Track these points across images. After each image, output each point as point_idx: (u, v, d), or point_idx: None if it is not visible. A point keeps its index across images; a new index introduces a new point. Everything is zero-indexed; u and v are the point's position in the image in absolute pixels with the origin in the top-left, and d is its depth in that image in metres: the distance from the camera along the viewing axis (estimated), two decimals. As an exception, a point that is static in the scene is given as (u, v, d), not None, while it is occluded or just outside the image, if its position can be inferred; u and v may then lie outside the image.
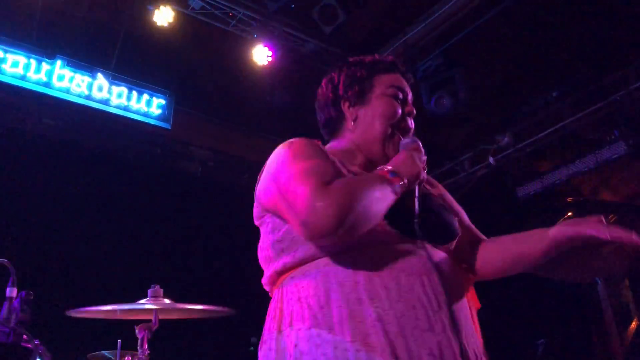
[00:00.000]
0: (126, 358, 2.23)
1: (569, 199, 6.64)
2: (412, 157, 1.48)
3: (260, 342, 1.47)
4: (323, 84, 1.75)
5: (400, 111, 1.62)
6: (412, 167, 1.45)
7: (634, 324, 5.72)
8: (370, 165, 1.59)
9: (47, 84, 5.41)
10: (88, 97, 5.60)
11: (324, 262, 1.38)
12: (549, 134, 6.06)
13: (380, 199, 1.34)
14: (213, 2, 5.30)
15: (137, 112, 5.85)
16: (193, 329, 4.63)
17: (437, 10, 5.54)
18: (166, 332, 2.35)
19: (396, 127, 1.60)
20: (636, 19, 5.21)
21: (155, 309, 2.10)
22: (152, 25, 5.24)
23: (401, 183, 1.40)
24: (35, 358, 1.88)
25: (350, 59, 1.73)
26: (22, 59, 5.34)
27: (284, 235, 1.45)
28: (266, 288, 1.56)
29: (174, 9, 5.23)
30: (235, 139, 6.78)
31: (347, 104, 1.66)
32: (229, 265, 6.02)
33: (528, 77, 6.16)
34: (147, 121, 5.90)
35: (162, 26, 5.25)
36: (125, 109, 5.79)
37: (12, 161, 5.28)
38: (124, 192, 5.83)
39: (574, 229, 1.45)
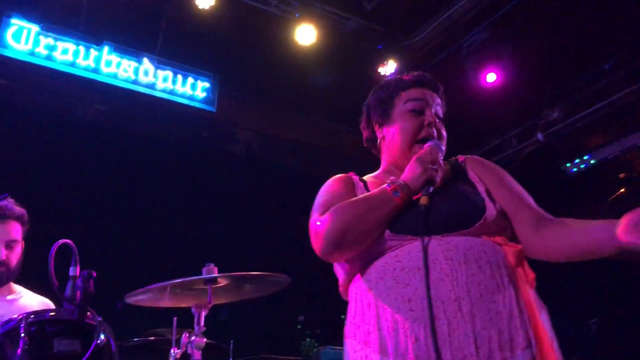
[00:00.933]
0: (183, 335, 2.28)
1: (621, 175, 6.43)
2: (420, 164, 1.59)
3: None
4: (364, 108, 1.94)
5: (419, 123, 1.74)
6: (418, 175, 1.58)
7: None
8: None
9: (95, 70, 5.54)
10: (135, 82, 5.71)
11: (357, 277, 1.60)
12: (600, 108, 5.87)
13: (374, 212, 1.53)
14: (254, -17, 5.31)
15: (182, 96, 5.93)
16: (245, 307, 4.73)
17: (482, -18, 5.40)
18: (220, 310, 2.40)
19: (418, 139, 1.73)
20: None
21: (210, 287, 2.15)
22: (195, 8, 5.30)
23: (400, 194, 1.55)
24: (99, 334, 1.95)
25: (381, 83, 1.90)
26: (71, 46, 5.47)
27: None
28: None
29: (216, -8, 5.26)
30: (278, 120, 6.81)
31: (376, 125, 1.86)
32: (275, 244, 6.09)
33: (578, 49, 5.94)
34: (192, 104, 5.98)
35: (205, 9, 5.30)
36: (171, 92, 5.87)
37: (67, 146, 5.47)
38: (170, 174, 5.95)
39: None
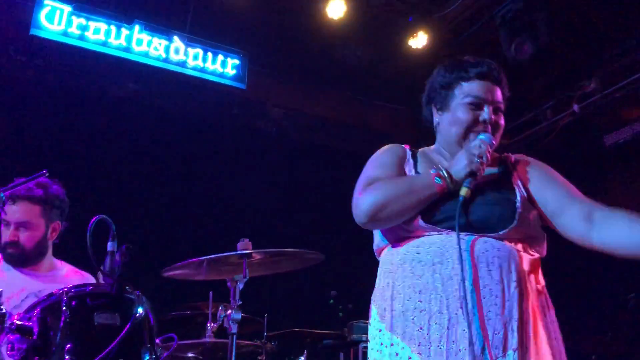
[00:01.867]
0: (219, 309, 2.33)
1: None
2: (466, 156, 1.68)
3: None
4: (426, 84, 1.98)
5: (474, 118, 1.79)
6: (463, 166, 1.67)
7: None
8: None
9: (127, 49, 5.58)
10: (166, 60, 5.74)
11: (385, 251, 1.79)
12: (639, 78, 5.69)
13: (414, 194, 1.65)
14: (283, -42, 5.25)
15: (212, 73, 5.94)
16: (279, 281, 4.79)
17: (515, -50, 5.24)
18: (255, 284, 2.43)
19: (471, 131, 1.79)
20: None
21: (245, 260, 2.18)
22: (224, -16, 5.28)
23: (442, 181, 1.66)
24: (137, 307, 2.00)
25: (446, 63, 1.93)
26: (103, 25, 5.51)
27: None
28: None
29: (244, -33, 5.23)
30: (309, 96, 6.78)
31: (435, 108, 1.91)
32: (307, 221, 6.13)
33: (616, 17, 5.73)
34: (222, 82, 5.99)
35: (234, -15, 5.28)
36: (202, 70, 5.89)
37: (101, 125, 5.57)
38: (202, 151, 6.02)
39: None
